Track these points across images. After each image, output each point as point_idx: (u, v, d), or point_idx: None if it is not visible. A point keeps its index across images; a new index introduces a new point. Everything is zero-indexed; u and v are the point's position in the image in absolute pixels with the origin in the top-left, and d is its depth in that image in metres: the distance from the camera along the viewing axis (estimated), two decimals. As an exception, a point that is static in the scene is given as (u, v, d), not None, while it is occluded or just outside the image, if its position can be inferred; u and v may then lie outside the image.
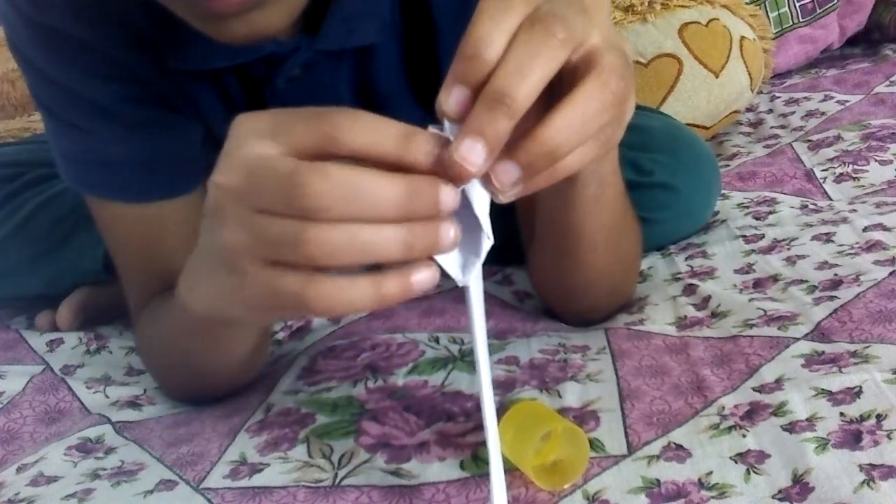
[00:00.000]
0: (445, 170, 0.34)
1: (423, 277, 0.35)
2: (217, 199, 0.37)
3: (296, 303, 0.35)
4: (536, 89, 0.35)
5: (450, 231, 0.35)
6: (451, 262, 0.37)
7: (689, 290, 0.73)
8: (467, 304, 0.39)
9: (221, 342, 0.60)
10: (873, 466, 0.47)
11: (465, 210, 0.36)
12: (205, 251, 0.42)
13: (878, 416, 0.51)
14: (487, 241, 0.37)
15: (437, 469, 0.54)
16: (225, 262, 0.38)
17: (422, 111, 0.69)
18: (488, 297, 0.79)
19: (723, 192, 0.93)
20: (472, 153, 0.34)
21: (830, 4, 1.36)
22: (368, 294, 0.35)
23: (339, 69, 0.64)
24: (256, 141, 0.36)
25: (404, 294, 0.35)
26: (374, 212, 0.34)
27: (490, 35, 0.35)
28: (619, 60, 0.37)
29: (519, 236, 0.73)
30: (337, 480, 0.54)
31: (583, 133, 0.36)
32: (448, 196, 0.34)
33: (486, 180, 0.36)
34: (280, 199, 0.34)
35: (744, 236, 0.82)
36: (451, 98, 0.35)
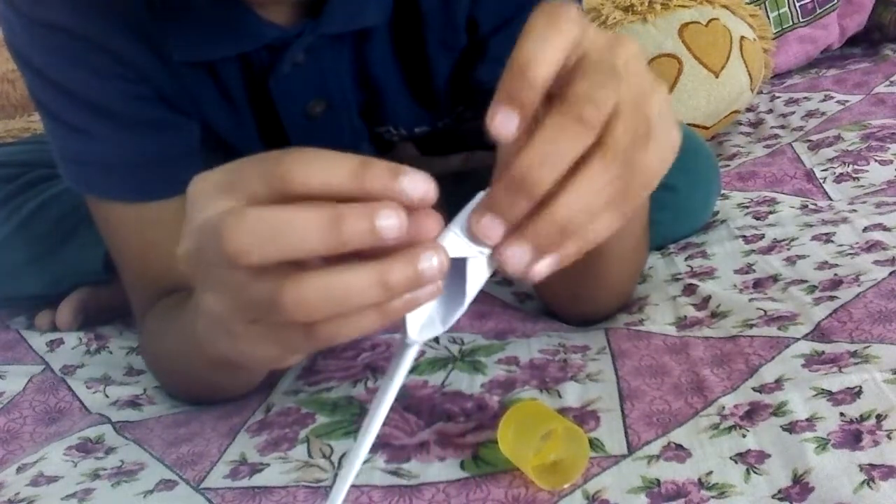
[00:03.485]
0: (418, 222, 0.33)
1: (424, 292, 0.34)
2: (187, 270, 0.36)
3: (308, 344, 0.34)
4: (561, 173, 0.34)
5: (432, 262, 0.33)
6: (414, 314, 0.35)
7: (689, 289, 0.73)
8: (399, 359, 0.36)
9: (236, 373, 0.61)
10: (873, 466, 0.47)
11: (453, 273, 0.35)
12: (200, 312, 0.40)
13: (878, 416, 0.51)
14: (460, 311, 0.36)
15: (437, 469, 0.54)
16: (217, 325, 0.36)
17: (411, 99, 0.69)
18: (489, 298, 0.79)
19: (723, 192, 0.93)
20: (492, 230, 0.34)
21: (830, 4, 1.36)
22: (374, 315, 0.33)
23: (341, 54, 0.64)
24: (214, 201, 0.34)
25: (408, 308, 0.34)
26: (300, 245, 0.32)
27: (540, 56, 0.34)
28: (631, 135, 0.35)
29: None
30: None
31: (591, 209, 0.35)
32: (387, 220, 0.32)
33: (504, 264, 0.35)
34: (212, 252, 0.33)
35: (744, 236, 0.82)
36: (497, 119, 0.34)
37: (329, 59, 0.64)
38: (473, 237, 0.35)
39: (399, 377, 0.36)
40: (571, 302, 0.71)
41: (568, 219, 0.35)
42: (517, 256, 0.35)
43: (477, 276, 0.35)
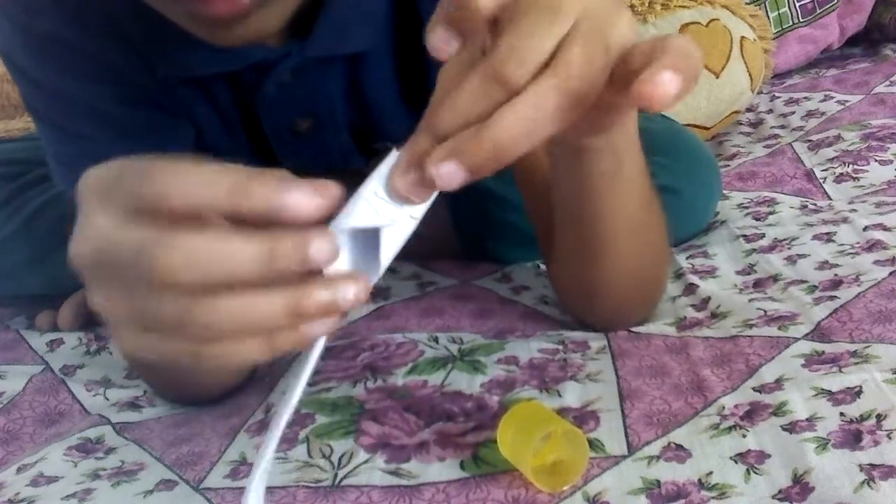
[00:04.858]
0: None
1: (319, 328, 0.33)
2: (79, 269, 0.35)
3: (192, 362, 0.33)
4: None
5: (349, 293, 0.32)
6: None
7: (689, 290, 0.73)
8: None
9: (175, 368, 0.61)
10: (873, 466, 0.47)
11: (366, 236, 0.34)
12: None
13: (878, 416, 0.51)
14: (375, 279, 0.35)
15: (437, 469, 0.54)
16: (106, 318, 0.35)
17: (411, 118, 0.69)
18: (484, 293, 0.79)
19: (723, 192, 0.93)
20: (415, 191, 0.33)
21: (830, 4, 1.36)
22: (262, 346, 0.32)
23: (331, 75, 0.64)
24: (98, 206, 0.34)
25: (299, 343, 0.33)
26: (233, 274, 0.31)
27: None
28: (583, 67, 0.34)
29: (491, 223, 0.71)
30: (337, 480, 0.54)
31: (521, 132, 0.33)
32: (320, 248, 0.31)
33: (422, 184, 0.34)
34: (134, 275, 0.32)
35: (744, 236, 0.82)
36: (436, 34, 0.34)
37: (317, 80, 0.63)
38: (395, 197, 0.33)
39: (317, 348, 0.35)
40: (590, 299, 0.67)
41: (509, 139, 0.33)
42: (451, 175, 0.33)
43: (393, 241, 0.34)
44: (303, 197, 0.31)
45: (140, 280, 0.32)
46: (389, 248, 0.35)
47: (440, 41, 0.34)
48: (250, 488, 0.38)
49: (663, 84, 0.32)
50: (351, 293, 0.32)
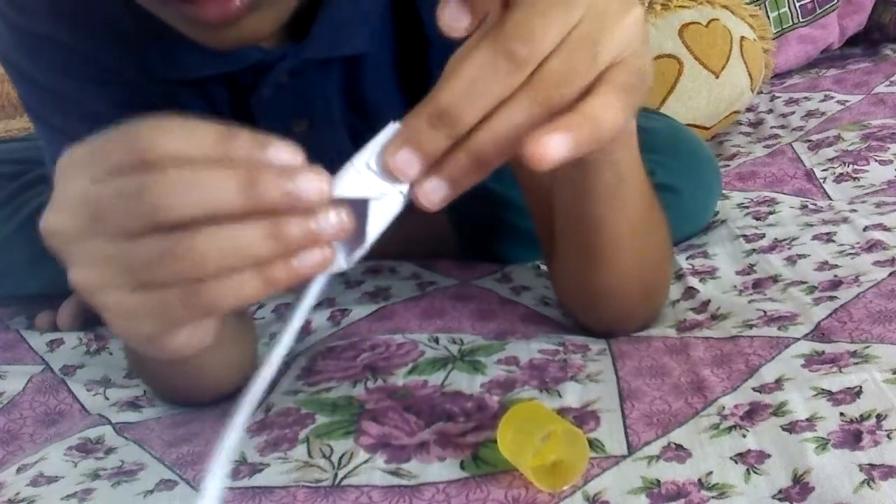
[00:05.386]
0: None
1: (309, 260, 0.33)
2: (55, 246, 0.35)
3: (188, 312, 0.33)
4: (486, 110, 0.33)
5: (330, 218, 0.32)
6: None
7: (689, 293, 0.73)
8: (303, 293, 0.35)
9: (172, 366, 0.60)
10: (873, 466, 0.47)
11: (359, 209, 0.34)
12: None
13: (878, 416, 0.51)
14: (361, 251, 0.35)
15: (437, 469, 0.54)
16: (92, 302, 0.35)
17: None
18: (484, 293, 0.79)
19: (723, 192, 0.93)
20: (409, 166, 0.33)
21: (830, 4, 1.36)
22: (256, 281, 0.33)
23: (328, 77, 0.64)
24: (74, 174, 0.34)
25: (291, 277, 0.33)
26: (218, 199, 0.32)
27: None
28: (567, 76, 0.33)
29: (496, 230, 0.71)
30: (337, 480, 0.54)
31: (511, 142, 0.34)
32: (307, 180, 0.32)
33: (413, 196, 0.34)
34: (127, 213, 0.32)
35: (744, 236, 0.82)
36: (449, 9, 0.33)
37: (315, 82, 0.63)
38: (387, 172, 0.34)
39: (303, 310, 0.35)
40: (592, 304, 0.66)
41: (487, 153, 0.33)
42: (434, 192, 0.34)
43: (381, 215, 0.34)
44: (286, 152, 0.32)
45: (126, 220, 0.32)
46: (377, 223, 0.35)
47: (452, 16, 0.33)
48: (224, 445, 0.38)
49: (548, 147, 0.33)
50: (332, 218, 0.32)
